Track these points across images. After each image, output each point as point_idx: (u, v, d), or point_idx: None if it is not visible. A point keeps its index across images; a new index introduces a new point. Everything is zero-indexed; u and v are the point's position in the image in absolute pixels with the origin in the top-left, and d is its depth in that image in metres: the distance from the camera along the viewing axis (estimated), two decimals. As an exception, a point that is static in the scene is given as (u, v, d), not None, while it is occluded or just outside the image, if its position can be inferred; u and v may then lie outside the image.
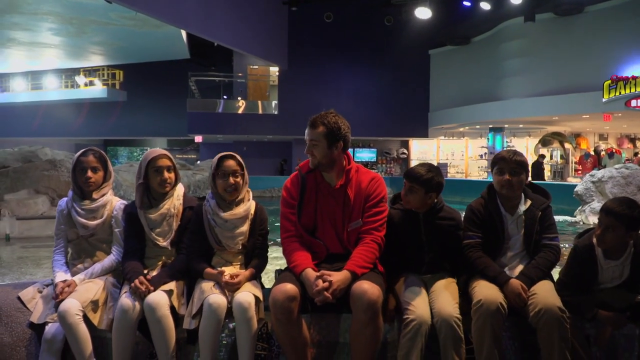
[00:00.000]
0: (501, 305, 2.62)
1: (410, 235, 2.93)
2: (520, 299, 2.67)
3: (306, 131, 2.85)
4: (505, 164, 2.89)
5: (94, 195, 3.03)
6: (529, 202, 2.94)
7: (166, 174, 3.00)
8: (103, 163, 3.07)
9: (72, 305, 2.70)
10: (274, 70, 23.64)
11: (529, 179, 3.01)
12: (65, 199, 3.10)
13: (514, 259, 2.93)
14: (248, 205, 3.03)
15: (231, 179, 2.94)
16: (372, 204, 2.85)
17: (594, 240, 2.77)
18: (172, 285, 2.83)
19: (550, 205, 2.97)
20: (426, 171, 2.87)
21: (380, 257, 2.87)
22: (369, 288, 2.54)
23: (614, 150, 18.97)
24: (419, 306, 2.65)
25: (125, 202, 3.17)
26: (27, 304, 2.89)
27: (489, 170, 14.25)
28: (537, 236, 2.90)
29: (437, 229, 2.93)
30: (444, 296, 2.73)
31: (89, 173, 3.00)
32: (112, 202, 3.09)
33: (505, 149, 18.37)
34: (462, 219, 3.03)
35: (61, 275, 2.90)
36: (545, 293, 2.67)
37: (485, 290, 2.69)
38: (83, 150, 3.07)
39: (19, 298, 2.92)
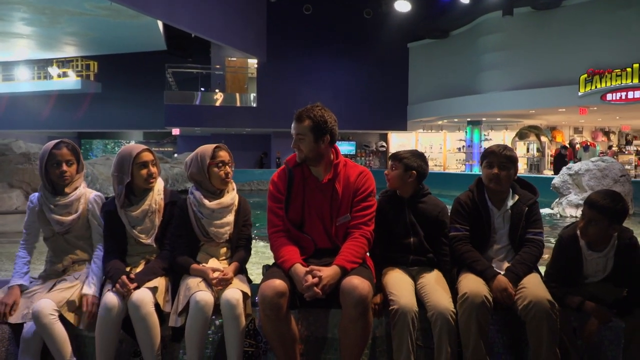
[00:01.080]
0: (486, 298, 2.64)
1: (396, 219, 2.95)
2: (506, 295, 2.68)
3: (292, 125, 2.80)
4: (495, 157, 2.91)
5: (67, 190, 2.92)
6: (516, 197, 2.96)
7: (152, 168, 2.93)
8: (76, 155, 2.95)
9: (46, 305, 2.62)
10: (253, 62, 23.47)
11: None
12: (35, 194, 2.97)
13: (499, 253, 2.95)
14: (233, 195, 3.01)
15: (228, 168, 2.95)
16: (360, 199, 2.82)
17: (579, 231, 2.79)
18: (156, 282, 2.76)
19: (537, 201, 2.99)
20: (406, 152, 3.00)
21: (370, 250, 2.86)
22: (359, 283, 2.51)
23: (588, 144, 19.25)
24: (402, 295, 2.65)
25: (99, 193, 3.06)
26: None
27: (467, 162, 14.35)
28: (523, 231, 2.92)
29: (421, 214, 2.95)
30: (438, 290, 2.73)
31: (64, 167, 2.88)
32: (85, 195, 2.97)
33: (492, 143, 18.57)
34: (448, 210, 3.04)
35: (16, 280, 2.81)
36: (534, 286, 2.69)
37: (470, 284, 2.71)
38: (54, 142, 2.91)
39: None
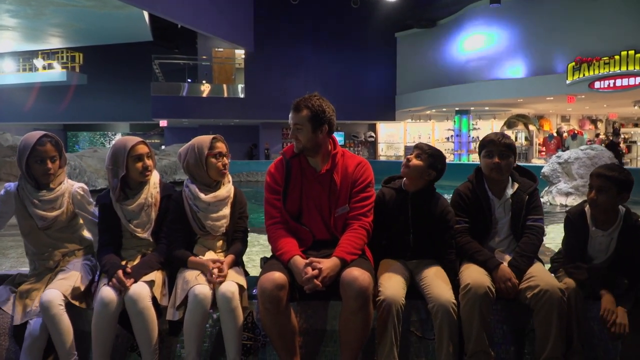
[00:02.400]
0: (489, 289, 2.62)
1: (397, 214, 2.89)
2: (510, 285, 2.67)
3: (290, 115, 2.76)
4: (495, 146, 2.89)
5: (51, 185, 2.84)
6: (516, 186, 2.94)
7: (147, 161, 2.88)
8: (59, 150, 2.86)
9: (55, 295, 2.58)
10: (240, 52, 23.30)
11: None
12: (11, 184, 2.86)
13: (501, 243, 2.93)
14: (229, 188, 2.97)
15: (225, 159, 2.91)
16: (359, 189, 2.79)
17: (586, 207, 2.81)
18: (153, 275, 2.72)
19: (537, 188, 2.98)
20: (434, 150, 2.89)
21: (369, 242, 2.82)
22: (359, 275, 2.49)
23: (576, 132, 19.35)
24: (390, 287, 2.62)
25: (82, 184, 3.00)
26: (2, 307, 2.73)
27: (456, 152, 14.36)
28: (524, 220, 2.91)
29: (425, 212, 2.88)
30: (438, 281, 2.70)
31: (49, 164, 2.79)
32: (69, 189, 2.90)
33: (481, 132, 18.47)
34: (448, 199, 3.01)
35: None
36: (542, 274, 2.69)
37: (473, 275, 2.69)
38: (37, 137, 2.78)
39: None
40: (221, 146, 2.91)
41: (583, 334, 2.68)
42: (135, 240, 2.89)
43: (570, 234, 2.86)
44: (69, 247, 2.91)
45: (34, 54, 26.04)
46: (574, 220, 2.83)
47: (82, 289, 2.72)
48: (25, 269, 3.00)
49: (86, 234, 3.03)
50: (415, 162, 2.84)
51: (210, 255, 2.85)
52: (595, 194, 2.72)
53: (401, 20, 21.79)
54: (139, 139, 2.92)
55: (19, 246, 5.92)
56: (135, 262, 2.80)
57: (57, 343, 2.59)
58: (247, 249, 3.05)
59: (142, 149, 2.87)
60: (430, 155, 2.84)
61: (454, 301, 2.60)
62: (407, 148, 22.43)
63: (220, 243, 2.93)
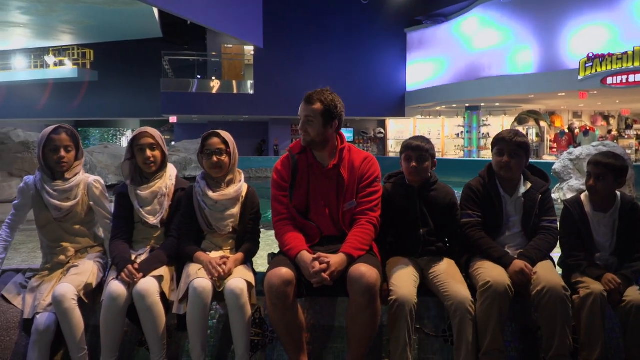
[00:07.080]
0: (509, 287, 2.60)
1: (406, 208, 2.87)
2: (523, 276, 2.64)
3: (301, 107, 2.75)
4: (505, 145, 2.86)
5: (67, 175, 2.88)
6: (529, 185, 2.92)
7: (148, 152, 2.89)
8: (75, 141, 2.90)
9: (68, 290, 2.60)
10: (249, 49, 23.31)
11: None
12: (30, 177, 2.92)
13: (511, 240, 2.91)
14: (239, 187, 2.94)
15: (214, 158, 2.86)
16: (366, 184, 2.78)
17: (582, 197, 2.88)
18: (162, 270, 2.73)
19: (549, 188, 2.95)
20: (422, 140, 2.90)
21: (377, 239, 2.80)
22: (366, 271, 2.48)
23: (588, 128, 19.18)
24: (402, 286, 2.61)
25: (98, 177, 3.03)
26: (12, 301, 2.76)
27: (465, 149, 14.22)
28: (536, 219, 2.89)
29: (431, 202, 2.88)
30: (455, 279, 2.69)
31: (62, 152, 2.83)
32: (85, 181, 2.93)
33: (491, 128, 18.26)
34: (457, 196, 2.99)
35: None
36: (547, 272, 2.67)
37: (492, 272, 2.66)
38: (53, 127, 2.87)
39: (2, 296, 2.78)
40: (213, 143, 2.90)
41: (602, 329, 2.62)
42: (146, 231, 2.91)
43: (568, 220, 2.89)
44: (82, 242, 2.93)
45: (45, 50, 26.20)
46: (571, 208, 2.89)
47: (94, 285, 2.74)
48: (36, 264, 3.02)
49: (100, 232, 3.05)
50: (422, 166, 2.84)
51: (217, 253, 2.84)
52: (593, 181, 2.80)
53: (411, 15, 21.72)
54: (148, 130, 2.94)
55: (30, 241, 5.97)
56: (145, 255, 2.82)
57: (68, 337, 2.60)
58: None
59: (145, 140, 2.91)
60: (431, 150, 2.87)
61: (471, 299, 2.59)
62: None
63: (228, 241, 2.92)
